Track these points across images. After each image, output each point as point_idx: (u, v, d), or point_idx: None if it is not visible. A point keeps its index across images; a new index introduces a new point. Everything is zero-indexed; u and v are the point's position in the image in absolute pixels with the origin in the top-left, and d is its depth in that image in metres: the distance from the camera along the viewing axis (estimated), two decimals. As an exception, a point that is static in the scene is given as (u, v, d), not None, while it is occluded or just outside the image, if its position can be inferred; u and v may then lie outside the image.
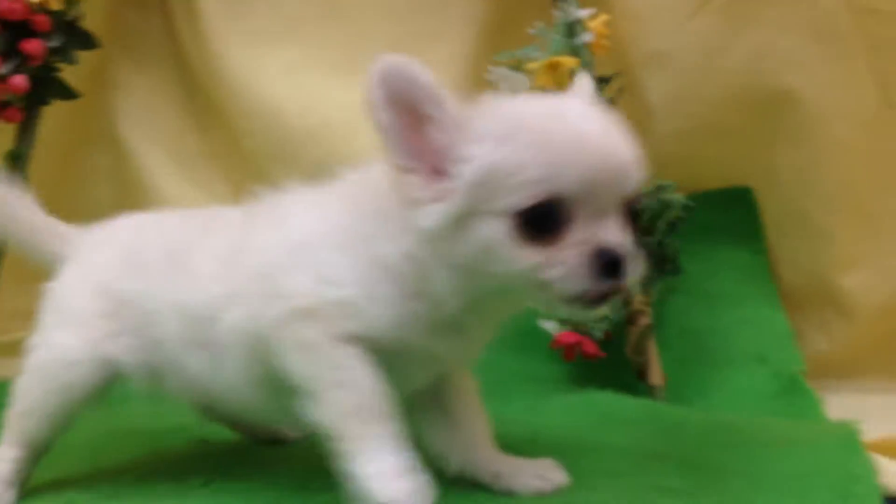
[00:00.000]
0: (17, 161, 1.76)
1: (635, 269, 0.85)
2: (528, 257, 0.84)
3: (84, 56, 1.83)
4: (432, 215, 0.86)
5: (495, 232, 0.84)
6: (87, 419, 1.10)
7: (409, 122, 0.86)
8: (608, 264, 0.83)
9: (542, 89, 1.35)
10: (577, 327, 1.30)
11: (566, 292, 0.84)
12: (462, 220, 0.86)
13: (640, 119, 1.47)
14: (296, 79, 1.67)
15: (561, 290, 0.84)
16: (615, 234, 0.85)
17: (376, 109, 0.85)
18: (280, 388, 0.96)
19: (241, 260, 0.99)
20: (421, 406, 1.04)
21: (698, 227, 1.43)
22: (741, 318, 1.40)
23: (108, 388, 1.07)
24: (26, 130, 1.76)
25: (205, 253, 1.03)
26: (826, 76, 1.31)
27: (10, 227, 1.19)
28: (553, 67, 1.34)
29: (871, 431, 1.14)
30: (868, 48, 1.28)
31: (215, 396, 1.04)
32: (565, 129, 0.85)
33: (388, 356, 0.93)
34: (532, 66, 1.34)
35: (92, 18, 1.87)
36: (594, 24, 1.39)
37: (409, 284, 0.91)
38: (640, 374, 1.33)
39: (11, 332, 1.91)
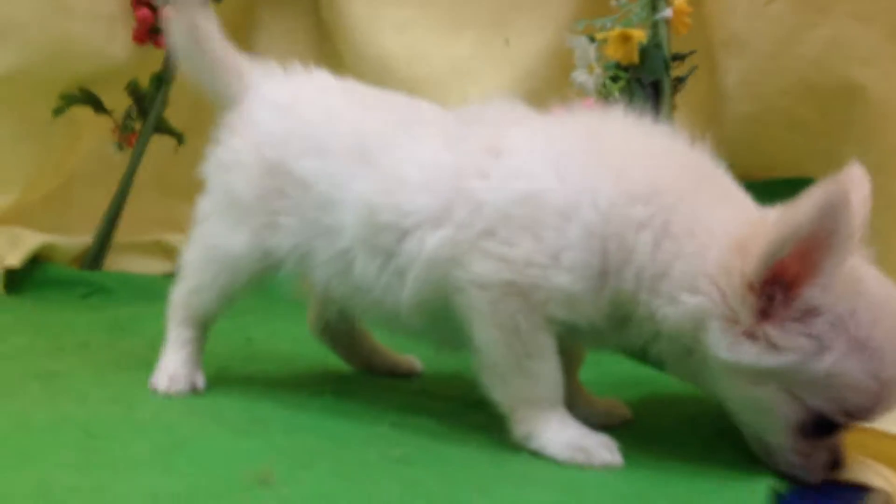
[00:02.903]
0: (161, 82, 1.99)
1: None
2: (795, 445, 0.88)
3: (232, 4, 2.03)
4: (742, 351, 0.85)
5: (783, 408, 0.86)
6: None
7: (802, 256, 0.81)
8: (833, 467, 0.90)
9: (611, 59, 1.40)
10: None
11: (797, 476, 0.89)
12: (758, 373, 0.85)
13: (713, 100, 1.49)
14: (406, 34, 1.79)
15: (796, 473, 0.89)
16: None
17: (794, 232, 0.80)
18: (447, 325, 0.98)
19: (458, 184, 0.95)
20: None
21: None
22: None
23: (273, 270, 1.08)
24: (172, 57, 1.99)
25: (408, 154, 0.99)
26: (899, 75, 1.29)
27: (194, 52, 1.16)
28: (624, 39, 1.38)
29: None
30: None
31: (368, 303, 1.03)
32: None
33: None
34: (602, 35, 1.39)
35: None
36: (678, 2, 1.42)
37: (613, 264, 0.89)
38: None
39: (148, 233, 2.16)
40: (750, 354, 0.84)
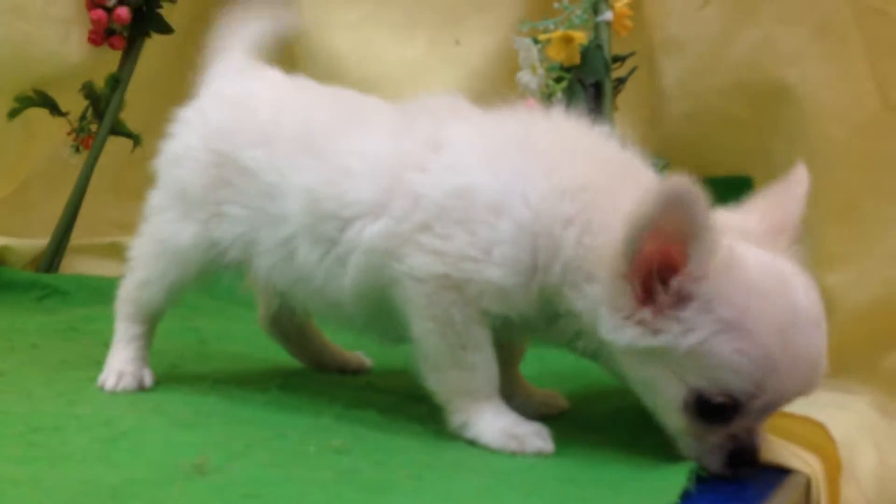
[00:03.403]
0: (117, 84, 2.00)
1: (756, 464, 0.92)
2: (684, 426, 0.90)
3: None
4: (624, 334, 0.88)
5: (670, 389, 0.89)
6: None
7: (660, 246, 0.85)
8: (740, 460, 0.91)
9: (554, 60, 1.44)
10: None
11: (701, 462, 0.91)
12: (645, 353, 0.88)
13: (653, 100, 1.53)
14: (358, 34, 1.81)
15: (698, 460, 0.91)
16: (759, 436, 0.92)
17: (642, 224, 0.84)
18: (387, 316, 1.00)
19: (398, 176, 0.97)
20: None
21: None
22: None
23: (220, 260, 1.09)
24: (127, 58, 1.99)
25: (352, 145, 1.02)
26: (824, 74, 1.32)
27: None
28: (566, 41, 1.42)
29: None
30: (869, 50, 1.29)
31: (309, 292, 1.04)
32: (789, 347, 0.86)
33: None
34: (545, 37, 1.42)
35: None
36: (618, 5, 1.45)
37: (542, 259, 0.92)
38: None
39: (104, 235, 2.17)
40: (627, 336, 0.87)
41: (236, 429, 0.99)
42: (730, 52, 1.41)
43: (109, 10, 1.91)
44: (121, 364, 1.14)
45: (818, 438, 1.11)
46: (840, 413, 1.24)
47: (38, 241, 2.02)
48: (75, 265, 2.04)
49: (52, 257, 2.00)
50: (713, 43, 1.42)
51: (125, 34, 1.95)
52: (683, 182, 0.82)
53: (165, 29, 1.97)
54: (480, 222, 0.93)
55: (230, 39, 1.25)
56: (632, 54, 1.47)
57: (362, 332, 1.13)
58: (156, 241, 1.14)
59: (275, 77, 1.20)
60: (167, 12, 1.98)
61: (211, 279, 1.16)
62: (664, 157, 1.45)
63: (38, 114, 1.98)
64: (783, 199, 0.98)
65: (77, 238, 2.05)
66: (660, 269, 0.86)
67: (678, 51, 1.46)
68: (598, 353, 0.95)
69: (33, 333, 1.46)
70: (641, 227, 0.84)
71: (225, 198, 1.08)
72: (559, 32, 1.41)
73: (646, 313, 0.87)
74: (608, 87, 1.44)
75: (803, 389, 0.90)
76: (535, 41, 1.45)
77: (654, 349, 0.87)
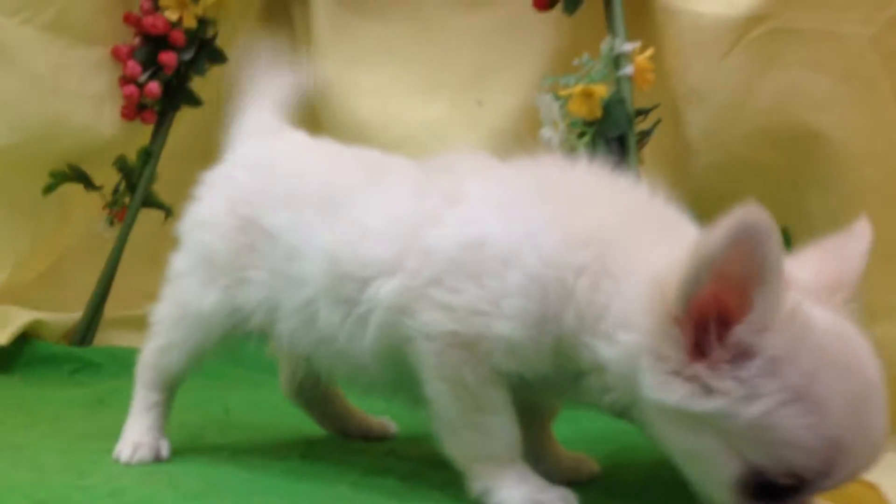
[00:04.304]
0: (149, 157, 2.03)
1: None
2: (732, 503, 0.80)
3: (219, 70, 2.08)
4: (671, 392, 0.79)
5: (721, 463, 0.79)
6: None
7: (723, 288, 0.75)
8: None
9: (576, 115, 1.42)
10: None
11: None
12: (693, 418, 0.79)
13: (679, 152, 1.50)
14: (381, 97, 1.82)
15: None
16: None
17: (706, 262, 0.74)
18: (409, 377, 0.96)
19: (414, 232, 0.94)
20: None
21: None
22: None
23: (243, 326, 1.07)
24: (159, 132, 2.02)
25: (371, 204, 1.00)
26: (854, 118, 1.28)
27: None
28: (587, 95, 1.40)
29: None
30: (896, 91, 1.25)
31: (332, 355, 1.02)
32: (860, 423, 0.77)
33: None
34: (566, 92, 1.41)
35: (228, 37, 2.12)
36: (639, 58, 1.44)
37: (552, 309, 0.87)
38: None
39: (138, 307, 2.17)
40: (677, 395, 0.78)
41: (249, 499, 0.96)
42: (755, 100, 1.38)
43: (141, 86, 1.94)
44: (137, 435, 1.12)
45: (872, 501, 1.05)
46: (893, 473, 1.17)
47: (72, 315, 2.03)
48: (109, 337, 2.05)
49: (86, 330, 2.01)
50: (737, 91, 1.39)
51: (156, 108, 1.99)
52: (756, 214, 0.72)
53: (195, 102, 2.00)
54: (490, 275, 0.89)
55: (254, 99, 1.25)
56: (655, 107, 1.45)
57: (387, 396, 1.10)
58: (178, 306, 1.13)
59: (299, 139, 1.19)
60: (197, 84, 2.02)
61: (233, 345, 1.14)
62: (694, 211, 1.41)
63: (73, 189, 2.01)
64: (842, 253, 0.90)
65: (111, 310, 2.06)
66: (717, 316, 0.77)
67: (702, 101, 1.43)
68: (629, 410, 0.88)
69: (58, 406, 1.45)
70: (705, 264, 0.74)
71: (249, 263, 1.06)
72: (579, 87, 1.40)
73: (699, 368, 0.78)
74: (632, 141, 1.42)
75: (869, 465, 0.82)
76: (557, 97, 1.44)
77: (705, 414, 0.78)
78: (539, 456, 1.03)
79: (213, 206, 1.12)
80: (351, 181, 1.04)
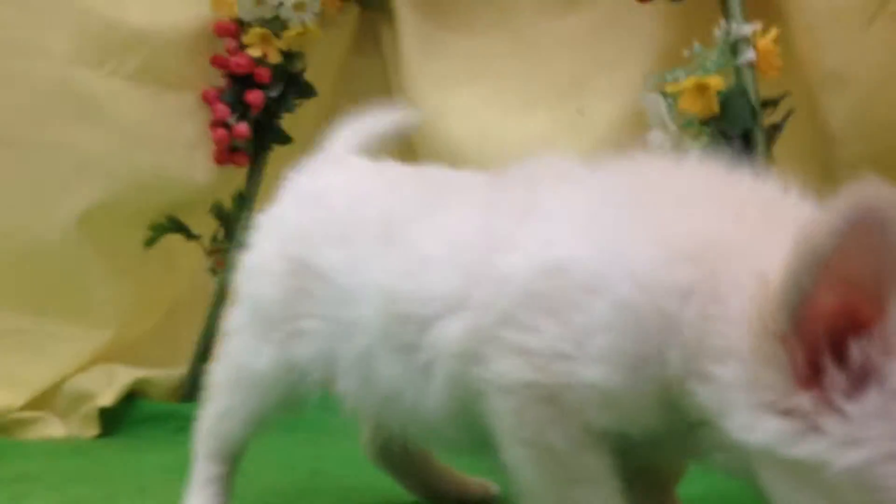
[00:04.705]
0: (245, 201, 1.95)
1: None
2: None
3: (313, 105, 1.99)
4: (756, 431, 0.61)
5: None
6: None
7: (843, 297, 0.58)
8: None
9: (689, 114, 1.23)
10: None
11: None
12: (798, 471, 0.60)
13: (819, 146, 1.28)
14: (477, 116, 1.68)
15: None
16: None
17: (812, 263, 0.57)
18: (488, 439, 0.78)
19: (483, 257, 0.78)
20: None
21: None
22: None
23: (305, 388, 0.95)
24: (253, 173, 1.95)
25: (433, 228, 0.84)
26: None
27: None
28: (700, 90, 1.21)
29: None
30: None
31: (398, 414, 0.87)
32: None
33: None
34: (674, 88, 1.22)
35: (325, 72, 2.04)
36: (762, 42, 1.23)
37: (653, 346, 0.68)
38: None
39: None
40: (766, 434, 0.59)
41: None
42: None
43: (230, 128, 1.87)
44: None
45: None
46: None
47: (179, 370, 1.97)
48: (216, 391, 1.98)
49: (192, 385, 1.94)
50: (884, 68, 1.17)
51: (248, 150, 1.91)
52: (877, 191, 0.54)
53: (285, 139, 1.91)
54: (572, 307, 0.70)
55: (333, 139, 1.12)
56: (785, 96, 1.24)
57: (475, 457, 0.93)
58: (234, 367, 1.01)
59: (358, 165, 1.04)
60: (290, 122, 1.93)
61: (298, 406, 1.00)
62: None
63: (173, 241, 1.96)
64: None
65: (217, 362, 1.99)
66: (836, 330, 0.58)
67: (842, 84, 1.22)
68: (746, 470, 0.66)
69: (148, 474, 1.36)
70: (813, 263, 0.56)
71: (302, 311, 0.93)
72: (691, 80, 1.21)
73: (804, 399, 0.59)
74: (759, 138, 1.21)
75: None
76: (665, 95, 1.25)
77: (799, 461, 0.59)
78: None
79: (263, 251, 1.00)
80: (410, 205, 0.89)
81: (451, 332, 0.77)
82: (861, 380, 0.58)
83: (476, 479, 1.12)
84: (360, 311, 0.86)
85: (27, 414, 1.78)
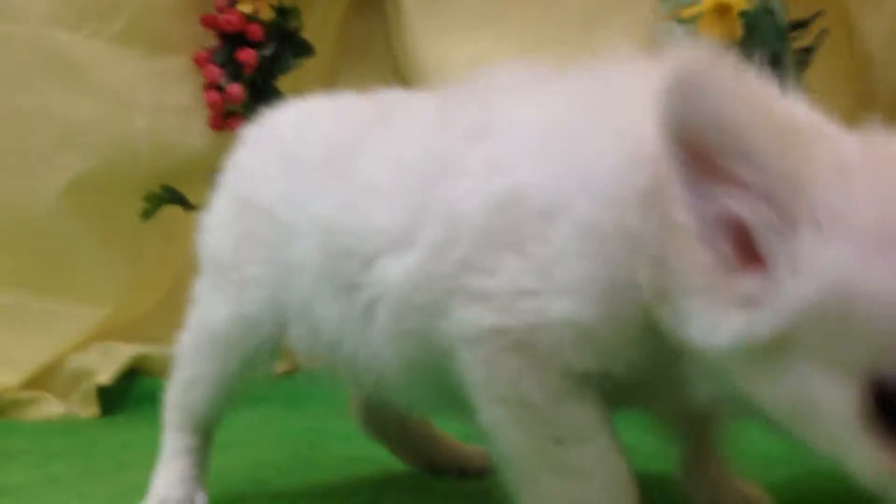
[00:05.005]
0: (243, 168, 1.86)
1: None
2: (880, 449, 0.51)
3: (312, 65, 1.89)
4: (726, 330, 0.54)
5: (830, 398, 0.52)
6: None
7: (706, 168, 0.53)
8: None
9: (710, 39, 1.11)
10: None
11: None
12: (773, 354, 0.54)
13: (857, 71, 1.16)
14: (481, 67, 1.57)
15: None
16: None
17: (664, 142, 0.54)
18: (450, 393, 0.69)
19: (430, 185, 0.70)
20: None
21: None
22: None
23: (274, 348, 0.86)
24: (250, 138, 1.86)
25: (377, 155, 0.76)
26: None
27: None
28: (721, 12, 1.09)
29: None
30: None
31: (344, 365, 0.79)
32: None
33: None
34: (690, 12, 1.10)
35: (324, 31, 1.94)
36: (789, -44, 1.11)
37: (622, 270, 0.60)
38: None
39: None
40: (734, 327, 0.53)
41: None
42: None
43: (223, 90, 1.77)
44: (165, 488, 0.91)
45: None
46: None
47: (181, 346, 1.89)
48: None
49: (194, 362, 1.86)
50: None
51: (244, 114, 1.82)
52: (693, 57, 0.52)
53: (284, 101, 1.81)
54: (532, 237, 0.61)
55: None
56: (818, 14, 1.12)
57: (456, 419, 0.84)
58: (195, 331, 0.92)
59: (311, 101, 0.94)
60: (289, 85, 1.83)
61: (261, 367, 0.89)
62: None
63: (173, 211, 1.88)
64: None
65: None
66: (731, 202, 0.53)
67: (881, 1, 1.09)
68: (738, 400, 0.58)
69: (133, 452, 1.28)
70: (672, 147, 0.53)
71: (248, 256, 0.85)
72: (710, 1, 1.08)
73: (747, 280, 0.53)
74: (789, 62, 1.09)
75: None
76: (681, 21, 1.13)
77: (776, 334, 0.52)
78: (697, 483, 0.79)
79: (218, 203, 0.92)
80: (355, 131, 0.80)
81: (395, 271, 0.69)
82: (785, 229, 0.52)
83: (477, 448, 1.01)
84: (302, 249, 0.78)
85: (25, 394, 1.71)
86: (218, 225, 0.90)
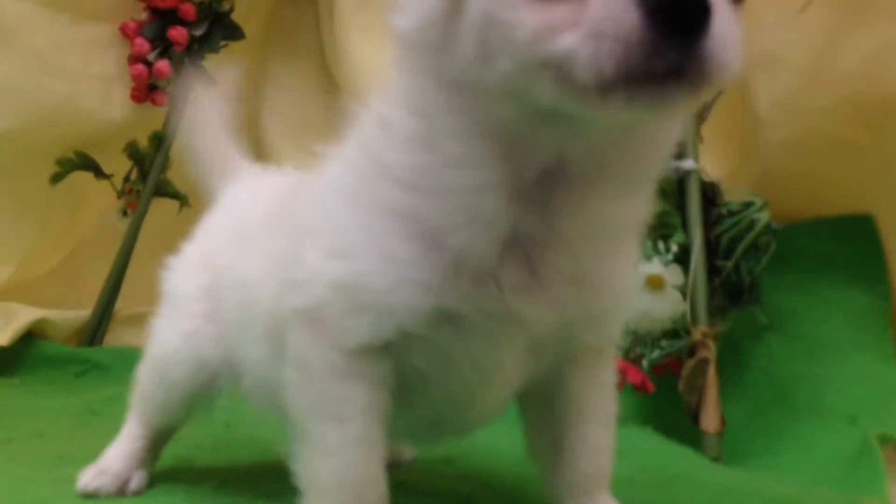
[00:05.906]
0: (162, 143, 1.88)
1: (724, 37, 0.51)
2: (532, 18, 0.55)
3: (240, 48, 1.93)
4: (413, 8, 0.64)
5: None
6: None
7: None
8: (670, 12, 0.50)
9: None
10: (625, 353, 1.15)
11: (594, 69, 0.52)
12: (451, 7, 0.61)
13: (746, 128, 1.29)
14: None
15: (587, 65, 0.52)
16: None
17: None
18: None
19: (281, 225, 0.83)
20: (530, 407, 0.80)
21: (810, 258, 1.23)
22: (842, 369, 1.17)
23: (218, 386, 0.94)
24: (172, 115, 1.88)
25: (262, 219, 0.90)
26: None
27: (195, 134, 1.12)
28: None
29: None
30: None
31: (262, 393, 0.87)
32: None
33: (442, 351, 0.69)
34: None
35: (254, 16, 1.97)
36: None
37: (425, 213, 0.65)
38: (695, 417, 1.15)
39: (152, 304, 2.04)
40: None
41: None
42: (839, 64, 1.17)
43: (150, 65, 1.79)
44: (109, 460, 0.96)
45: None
46: None
47: (82, 313, 1.90)
48: (120, 336, 1.91)
49: (96, 329, 1.88)
50: (819, 54, 1.18)
51: (168, 89, 1.84)
52: None
53: (210, 81, 1.84)
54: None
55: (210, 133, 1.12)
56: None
57: None
58: (150, 359, 0.98)
59: (277, 176, 1.04)
60: (214, 65, 1.86)
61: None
62: (762, 196, 1.20)
63: (83, 178, 1.88)
64: None
65: (123, 307, 1.93)
66: None
67: (774, 67, 1.22)
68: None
69: (46, 419, 1.31)
70: None
71: (203, 307, 0.94)
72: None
73: None
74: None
75: None
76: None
77: None
78: (549, 467, 0.78)
79: (188, 253, 1.01)
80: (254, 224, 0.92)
81: (261, 297, 0.82)
82: None
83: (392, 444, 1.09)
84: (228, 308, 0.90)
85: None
86: (185, 269, 0.98)
